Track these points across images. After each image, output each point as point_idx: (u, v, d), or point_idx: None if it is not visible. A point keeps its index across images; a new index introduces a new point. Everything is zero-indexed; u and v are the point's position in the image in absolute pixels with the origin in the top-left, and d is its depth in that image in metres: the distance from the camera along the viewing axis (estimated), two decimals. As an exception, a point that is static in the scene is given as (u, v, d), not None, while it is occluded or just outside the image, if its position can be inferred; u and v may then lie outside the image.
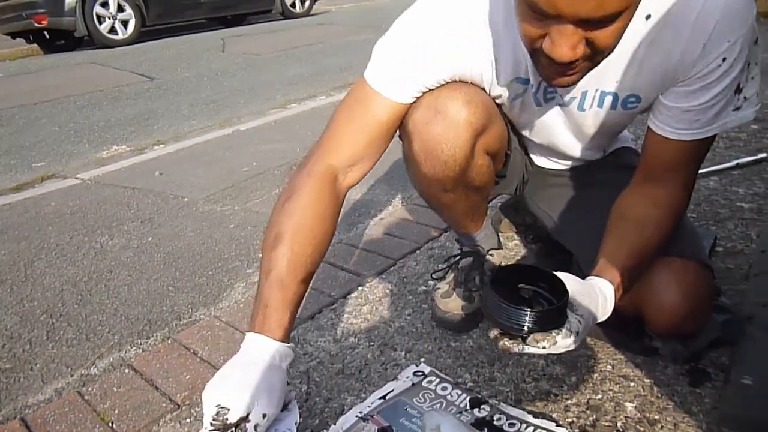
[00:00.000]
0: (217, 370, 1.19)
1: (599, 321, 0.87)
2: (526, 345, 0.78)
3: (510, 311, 0.77)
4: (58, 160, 3.11)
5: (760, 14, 5.00)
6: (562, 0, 0.67)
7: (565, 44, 0.72)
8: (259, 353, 0.89)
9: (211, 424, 0.81)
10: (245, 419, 0.82)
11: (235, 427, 0.81)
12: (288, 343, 0.91)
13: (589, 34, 0.72)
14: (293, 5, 9.72)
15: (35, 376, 1.30)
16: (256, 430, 0.83)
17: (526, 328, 0.77)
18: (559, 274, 0.83)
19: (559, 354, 0.82)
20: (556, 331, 0.78)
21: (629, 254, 0.92)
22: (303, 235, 0.95)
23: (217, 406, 0.82)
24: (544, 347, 0.77)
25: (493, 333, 0.82)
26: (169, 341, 1.34)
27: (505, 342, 0.78)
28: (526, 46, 0.81)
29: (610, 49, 0.77)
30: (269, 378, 0.87)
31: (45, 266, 1.84)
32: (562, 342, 0.78)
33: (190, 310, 1.50)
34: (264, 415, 0.84)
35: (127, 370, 1.24)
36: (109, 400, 1.16)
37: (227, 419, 0.81)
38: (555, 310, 0.79)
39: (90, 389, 1.20)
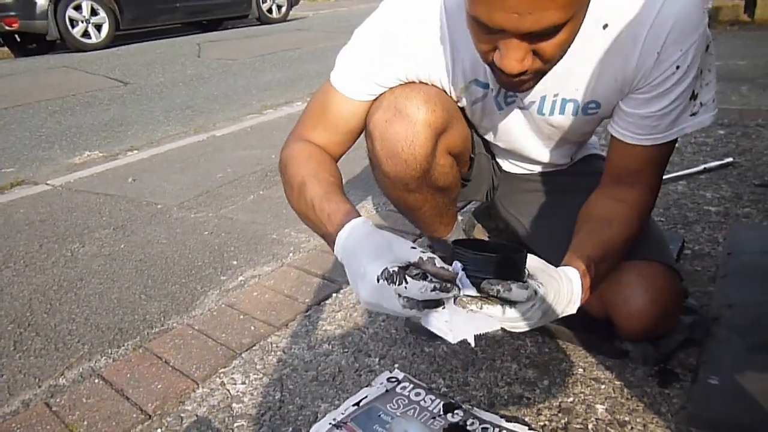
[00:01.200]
0: (190, 378, 1.19)
1: (568, 311, 0.86)
2: (483, 302, 0.75)
3: (472, 259, 0.77)
4: (29, 166, 3.06)
5: (756, 22, 5.15)
6: (502, 16, 0.70)
7: (512, 57, 0.75)
8: (363, 230, 0.86)
9: (389, 281, 0.75)
10: (406, 266, 0.77)
11: (405, 273, 0.76)
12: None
13: (535, 45, 0.75)
14: (270, 11, 9.70)
15: (1, 387, 1.27)
16: (425, 263, 0.76)
17: (481, 274, 0.75)
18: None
19: (522, 325, 0.78)
20: (511, 281, 0.76)
21: (594, 246, 0.93)
22: (320, 170, 1.00)
23: (380, 275, 0.76)
24: (498, 291, 0.74)
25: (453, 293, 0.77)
26: (141, 350, 1.32)
27: (462, 298, 0.75)
28: (482, 58, 0.84)
29: (559, 58, 0.80)
30: (380, 234, 0.84)
31: (13, 275, 1.81)
32: (516, 291, 0.74)
33: (162, 319, 1.48)
34: (420, 250, 0.78)
35: (97, 381, 1.22)
36: (78, 411, 1.14)
37: (394, 270, 0.75)
38: (513, 259, 0.78)
39: (58, 400, 1.17)
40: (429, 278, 0.76)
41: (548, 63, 0.79)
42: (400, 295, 0.75)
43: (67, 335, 1.45)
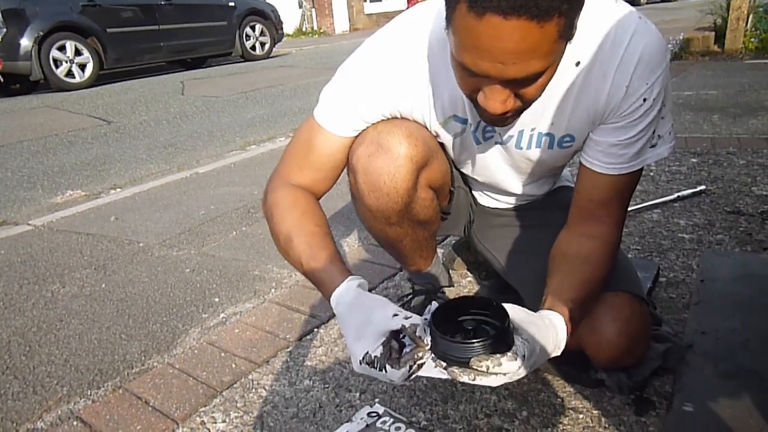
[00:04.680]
0: (170, 418, 1.18)
1: (554, 354, 0.87)
2: (475, 372, 0.77)
3: (453, 346, 0.78)
4: (10, 206, 3.04)
5: (726, 52, 5.40)
6: (488, 65, 0.74)
7: (496, 100, 0.79)
8: (347, 298, 0.91)
9: (370, 365, 0.83)
10: (394, 333, 0.83)
11: (395, 341, 0.83)
12: (352, 274, 0.96)
13: (517, 90, 0.78)
14: (253, 48, 9.83)
15: (-22, 433, 1.25)
16: (413, 331, 0.82)
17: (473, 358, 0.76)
18: (506, 305, 0.83)
19: (511, 381, 0.78)
20: (500, 354, 0.77)
21: (575, 287, 0.95)
22: (305, 220, 1.03)
23: (361, 359, 0.83)
24: (487, 367, 0.75)
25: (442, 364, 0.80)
26: (120, 391, 1.31)
27: (454, 369, 0.77)
28: (465, 96, 0.87)
29: (539, 96, 0.83)
30: (361, 304, 0.89)
31: (-8, 317, 1.79)
32: (507, 364, 0.75)
33: (142, 358, 1.47)
34: (403, 316, 0.83)
35: (75, 423, 1.21)
36: (55, 455, 1.12)
37: (375, 356, 0.82)
38: (498, 336, 0.78)
39: (35, 445, 1.16)
40: (408, 352, 0.81)
41: (528, 103, 0.83)
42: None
43: (46, 377, 1.43)
